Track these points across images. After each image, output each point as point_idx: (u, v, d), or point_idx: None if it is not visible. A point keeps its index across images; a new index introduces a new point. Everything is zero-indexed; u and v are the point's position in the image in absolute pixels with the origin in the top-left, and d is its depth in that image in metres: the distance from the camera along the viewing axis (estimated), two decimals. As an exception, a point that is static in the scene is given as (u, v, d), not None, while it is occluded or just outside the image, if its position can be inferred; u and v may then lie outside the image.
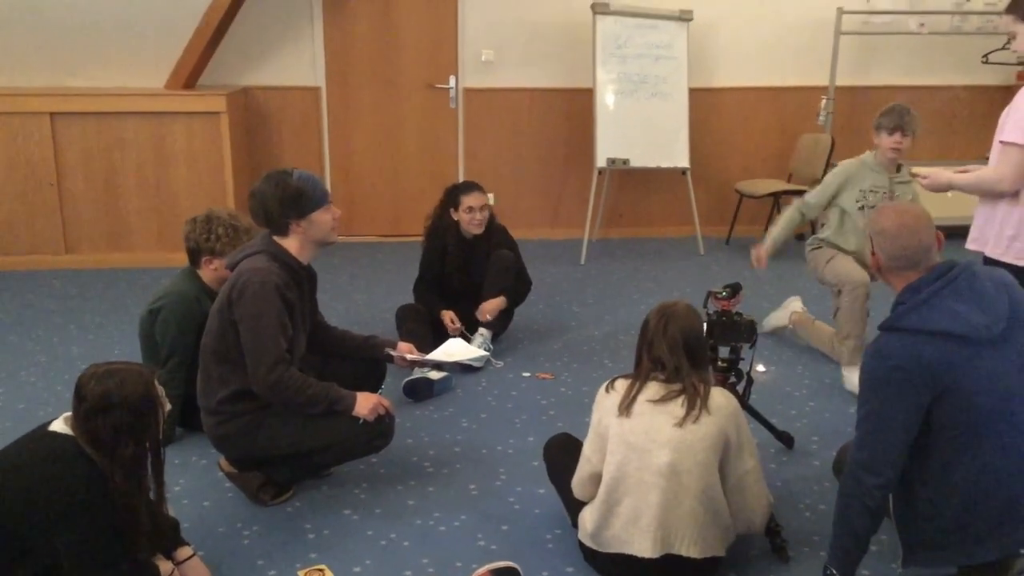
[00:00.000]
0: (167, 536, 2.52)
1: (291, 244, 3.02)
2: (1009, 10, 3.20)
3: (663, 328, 2.57)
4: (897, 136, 4.11)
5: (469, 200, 4.42)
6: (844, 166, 4.32)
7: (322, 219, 3.03)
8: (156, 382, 2.36)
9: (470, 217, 4.42)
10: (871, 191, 4.23)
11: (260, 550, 2.85)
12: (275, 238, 3.03)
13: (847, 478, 2.42)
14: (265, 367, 2.87)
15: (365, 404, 2.99)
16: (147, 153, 5.98)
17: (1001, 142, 3.16)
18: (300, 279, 3.07)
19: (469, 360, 4.03)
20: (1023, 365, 2.34)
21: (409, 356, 3.44)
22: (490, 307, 4.41)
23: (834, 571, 2.46)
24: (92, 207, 6.03)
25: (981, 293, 2.33)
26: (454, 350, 3.94)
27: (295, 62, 6.56)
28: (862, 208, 4.23)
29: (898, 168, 4.25)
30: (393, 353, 3.42)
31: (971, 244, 3.36)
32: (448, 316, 4.42)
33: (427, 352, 3.75)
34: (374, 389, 3.38)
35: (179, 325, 3.46)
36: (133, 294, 5.44)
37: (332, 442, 3.01)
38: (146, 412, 2.30)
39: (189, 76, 6.08)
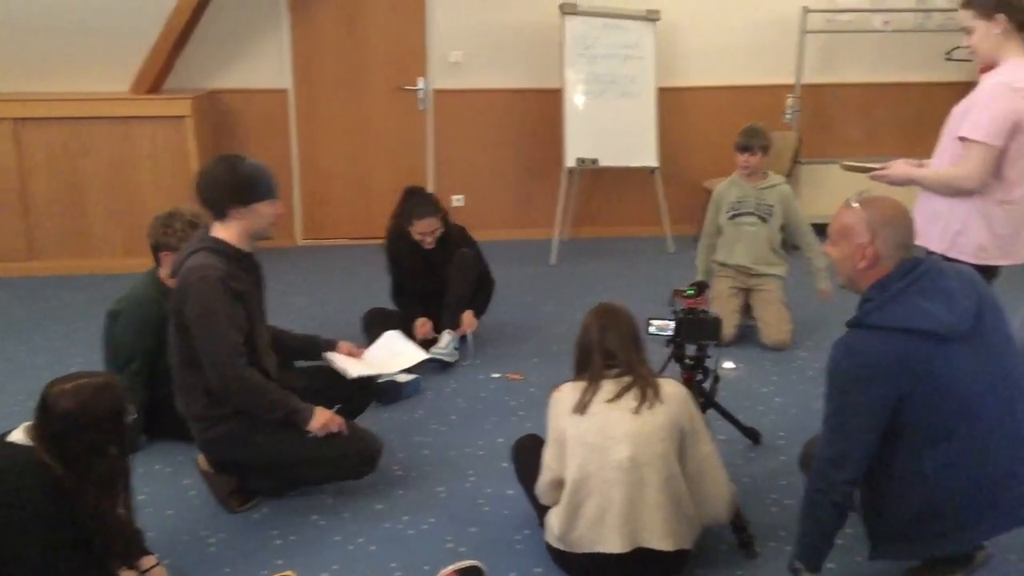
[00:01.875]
0: (133, 547, 2.50)
1: (230, 233, 2.95)
2: (967, 5, 3.15)
3: (611, 323, 2.64)
4: (745, 156, 4.61)
5: (419, 226, 4.39)
6: (715, 190, 4.82)
7: (265, 212, 2.97)
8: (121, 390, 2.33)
9: (421, 239, 4.44)
10: (739, 201, 4.67)
11: (226, 558, 2.82)
12: (214, 226, 2.97)
13: (814, 474, 2.44)
14: (222, 364, 2.84)
15: (320, 419, 2.98)
16: (112, 158, 5.91)
17: (961, 138, 3.09)
18: (246, 267, 3.02)
19: (415, 363, 3.76)
20: (990, 361, 2.36)
21: (353, 373, 3.38)
22: (467, 326, 4.42)
23: (800, 565, 2.47)
24: (56, 213, 5.95)
25: (947, 290, 2.35)
26: (397, 348, 3.76)
27: (262, 65, 6.52)
28: (733, 217, 4.70)
29: (765, 175, 4.69)
30: (331, 356, 3.42)
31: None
32: (421, 324, 4.41)
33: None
34: (358, 412, 3.43)
35: (137, 329, 3.43)
36: (98, 301, 5.33)
37: (319, 458, 3.00)
38: (117, 424, 2.28)
39: (154, 80, 6.03)
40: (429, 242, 4.45)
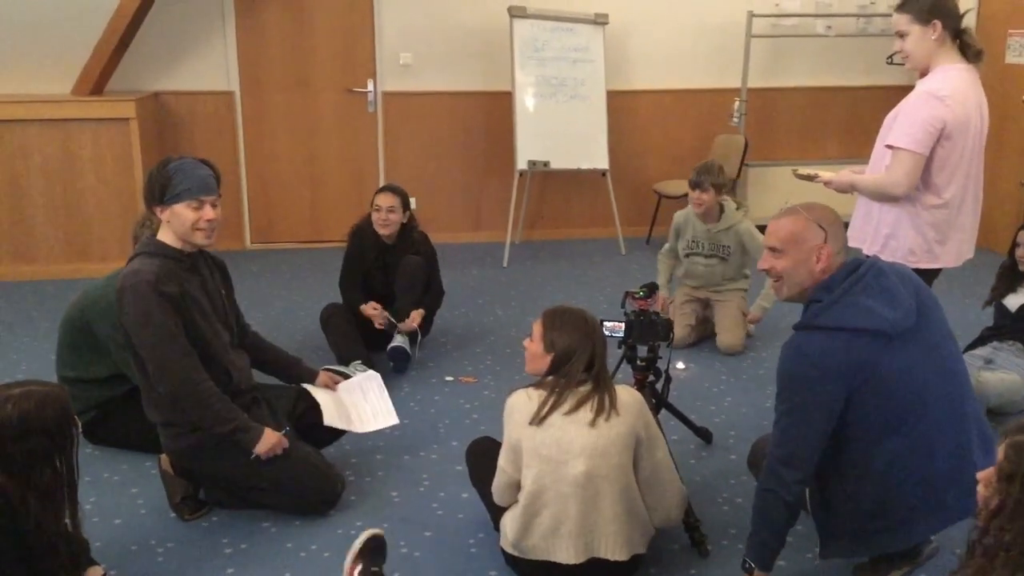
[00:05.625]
0: (79, 558, 2.44)
1: (167, 234, 2.93)
2: (903, 8, 3.16)
3: (593, 335, 2.58)
4: (697, 193, 4.47)
5: (378, 199, 4.45)
6: (676, 217, 4.74)
7: (182, 213, 2.85)
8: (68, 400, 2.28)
9: (376, 216, 4.42)
10: (693, 241, 4.63)
11: (175, 567, 2.77)
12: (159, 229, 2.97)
13: (766, 473, 2.46)
14: (166, 367, 2.81)
15: (267, 442, 2.94)
16: (53, 161, 5.77)
17: (888, 146, 3.15)
18: (188, 266, 2.95)
19: (387, 425, 3.51)
20: (933, 357, 2.41)
21: (328, 421, 3.27)
22: (413, 319, 4.39)
23: (752, 563, 2.50)
24: (-5, 218, 5.81)
25: (889, 289, 2.39)
26: (371, 397, 3.56)
27: (207, 66, 6.43)
28: (688, 256, 4.67)
29: (721, 211, 4.53)
30: (310, 388, 3.37)
31: (850, 242, 3.41)
32: (371, 308, 4.37)
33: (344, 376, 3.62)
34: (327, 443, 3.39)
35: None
36: (40, 307, 5.25)
37: (282, 488, 2.99)
38: (64, 434, 2.23)
39: (96, 82, 5.92)
40: (383, 221, 4.40)
